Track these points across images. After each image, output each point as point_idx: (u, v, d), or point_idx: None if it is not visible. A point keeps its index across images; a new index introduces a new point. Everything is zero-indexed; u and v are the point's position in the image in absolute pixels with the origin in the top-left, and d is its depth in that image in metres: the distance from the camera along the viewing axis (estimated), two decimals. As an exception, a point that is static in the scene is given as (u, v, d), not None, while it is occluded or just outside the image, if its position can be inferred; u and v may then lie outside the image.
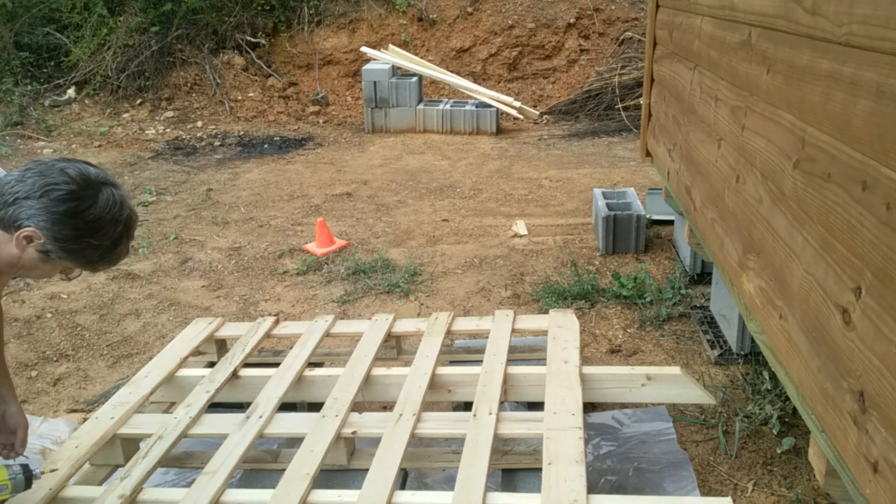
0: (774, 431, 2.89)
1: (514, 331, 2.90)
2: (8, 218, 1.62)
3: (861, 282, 1.52)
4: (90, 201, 1.64)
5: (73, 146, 7.90)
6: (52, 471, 2.13)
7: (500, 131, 8.19)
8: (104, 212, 1.65)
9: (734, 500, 2.56)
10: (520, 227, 5.24)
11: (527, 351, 3.04)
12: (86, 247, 1.65)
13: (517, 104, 8.42)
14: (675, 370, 2.53)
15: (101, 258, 1.70)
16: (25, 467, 1.99)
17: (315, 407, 2.53)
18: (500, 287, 4.35)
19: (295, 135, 8.34)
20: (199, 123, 8.60)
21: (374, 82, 8.18)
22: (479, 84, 8.94)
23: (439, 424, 2.36)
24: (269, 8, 9.60)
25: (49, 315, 4.15)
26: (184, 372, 2.78)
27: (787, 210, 1.96)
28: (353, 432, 2.33)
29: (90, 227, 1.64)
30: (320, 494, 2.03)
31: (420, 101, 8.39)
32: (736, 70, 2.48)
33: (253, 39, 9.52)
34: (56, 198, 1.61)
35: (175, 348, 2.91)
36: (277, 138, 8.17)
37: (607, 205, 4.80)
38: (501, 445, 2.40)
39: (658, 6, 4.05)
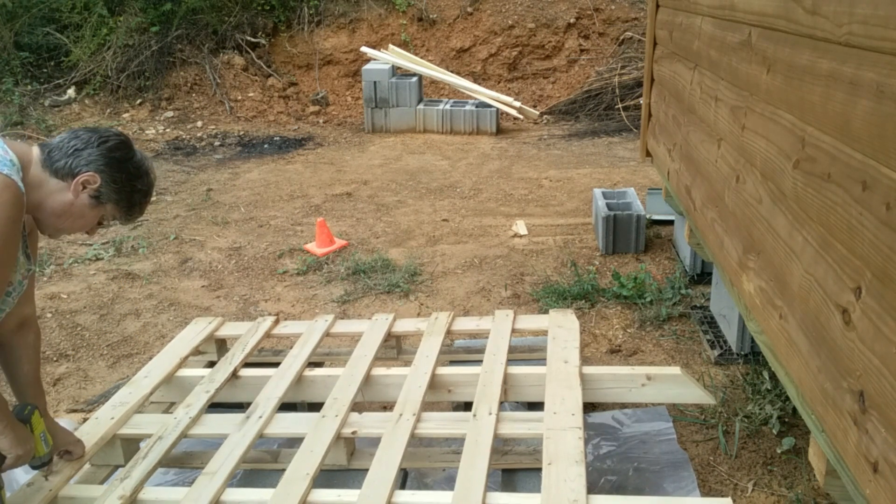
0: (774, 431, 2.88)
1: (514, 331, 2.90)
2: (67, 167, 1.84)
3: (861, 282, 1.52)
4: (132, 151, 1.94)
5: (73, 146, 7.89)
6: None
7: (500, 131, 8.19)
8: (142, 162, 1.96)
9: (734, 500, 2.56)
10: (520, 227, 5.24)
11: (527, 351, 3.04)
12: (131, 189, 1.92)
13: (517, 104, 8.42)
14: (675, 370, 2.53)
15: (138, 203, 1.96)
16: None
17: (315, 407, 2.53)
18: (500, 287, 4.35)
19: (295, 135, 8.34)
20: (199, 123, 8.60)
21: (374, 82, 8.18)
22: (479, 84, 8.94)
23: (439, 424, 2.36)
24: (269, 8, 9.60)
25: (49, 315, 4.15)
26: (184, 372, 2.78)
27: (787, 210, 1.96)
28: (353, 432, 2.33)
29: (136, 172, 1.92)
30: (320, 494, 2.03)
31: (420, 101, 8.39)
32: (736, 70, 2.48)
33: (253, 39, 9.52)
34: (112, 146, 1.89)
35: (175, 348, 2.91)
36: (277, 138, 8.17)
37: (607, 205, 4.80)
38: (501, 445, 2.40)
39: (658, 6, 4.05)
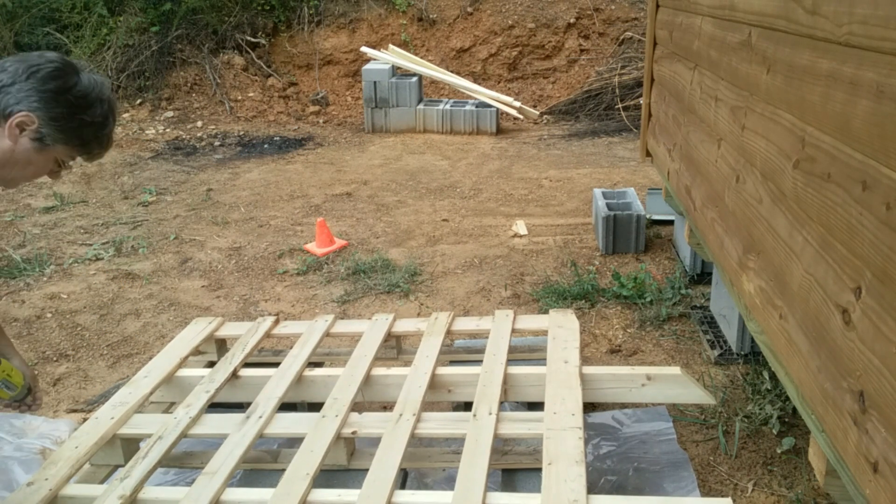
0: (774, 431, 2.89)
1: (514, 331, 2.90)
2: None
3: (861, 282, 1.52)
4: (75, 77, 1.63)
5: (73, 146, 7.89)
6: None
7: (500, 131, 8.19)
8: (90, 88, 1.64)
9: (734, 500, 2.56)
10: (520, 227, 5.24)
11: (527, 351, 3.04)
12: (79, 124, 1.63)
13: (517, 104, 8.42)
14: (675, 370, 2.53)
15: (94, 137, 1.68)
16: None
17: (315, 407, 2.53)
18: (500, 287, 4.35)
19: (295, 135, 8.34)
20: (199, 123, 8.60)
21: (374, 82, 8.18)
22: (479, 84, 8.94)
23: (439, 424, 2.36)
24: (269, 8, 9.60)
25: (49, 315, 4.15)
26: (184, 372, 2.78)
27: (787, 210, 1.96)
28: (353, 432, 2.33)
29: (80, 102, 1.62)
30: (320, 494, 2.03)
31: (420, 101, 8.39)
32: (736, 70, 2.48)
33: (253, 39, 9.52)
34: (43, 76, 1.58)
35: (175, 348, 2.91)
36: (277, 138, 8.17)
37: (607, 205, 4.80)
38: (501, 445, 2.40)
39: (658, 6, 4.05)
